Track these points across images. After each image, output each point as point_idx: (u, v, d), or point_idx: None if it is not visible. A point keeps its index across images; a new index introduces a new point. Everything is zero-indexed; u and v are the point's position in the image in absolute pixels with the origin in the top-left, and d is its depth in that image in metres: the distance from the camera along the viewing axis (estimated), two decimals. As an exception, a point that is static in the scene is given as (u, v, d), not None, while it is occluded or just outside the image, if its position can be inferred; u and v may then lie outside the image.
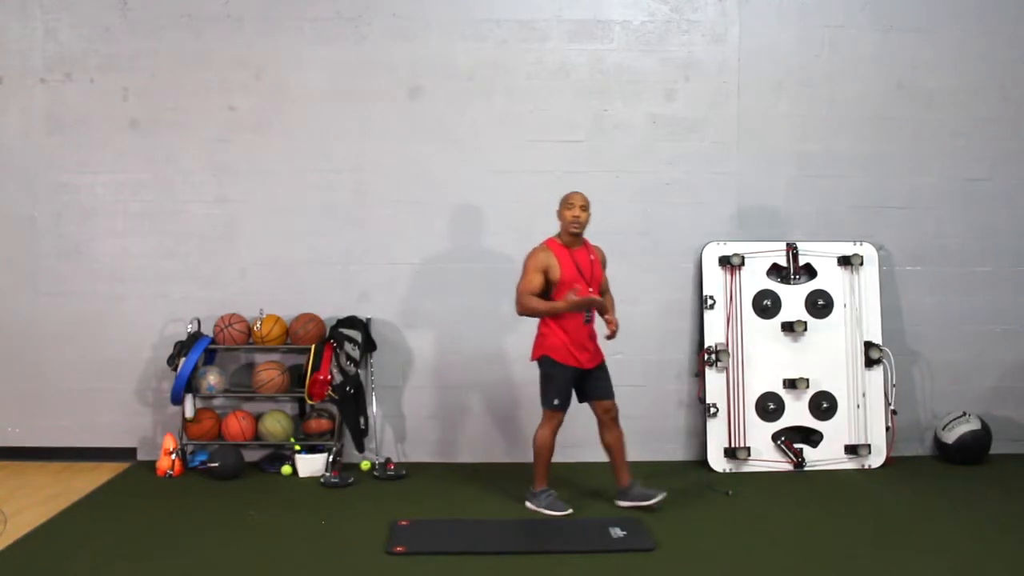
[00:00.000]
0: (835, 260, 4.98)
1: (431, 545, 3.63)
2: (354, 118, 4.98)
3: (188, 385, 4.71)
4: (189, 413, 4.76)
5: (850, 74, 5.05)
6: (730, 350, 4.89)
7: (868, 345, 4.91)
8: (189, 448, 4.84)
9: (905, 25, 5.05)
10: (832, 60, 5.05)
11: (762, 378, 4.89)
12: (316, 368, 4.75)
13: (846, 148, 5.07)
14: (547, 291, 4.04)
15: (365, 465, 4.84)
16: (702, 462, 4.91)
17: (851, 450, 4.85)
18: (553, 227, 4.97)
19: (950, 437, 4.89)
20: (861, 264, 4.97)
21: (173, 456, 4.69)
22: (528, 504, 4.13)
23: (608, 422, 4.09)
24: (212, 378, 4.80)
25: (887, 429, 4.90)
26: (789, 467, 4.81)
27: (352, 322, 4.89)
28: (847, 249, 4.99)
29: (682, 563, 3.46)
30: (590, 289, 4.02)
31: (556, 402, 4.02)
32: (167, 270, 4.98)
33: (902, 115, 5.08)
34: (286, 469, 4.73)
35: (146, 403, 5.01)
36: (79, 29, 4.93)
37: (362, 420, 4.87)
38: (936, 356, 5.10)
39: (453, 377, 5.01)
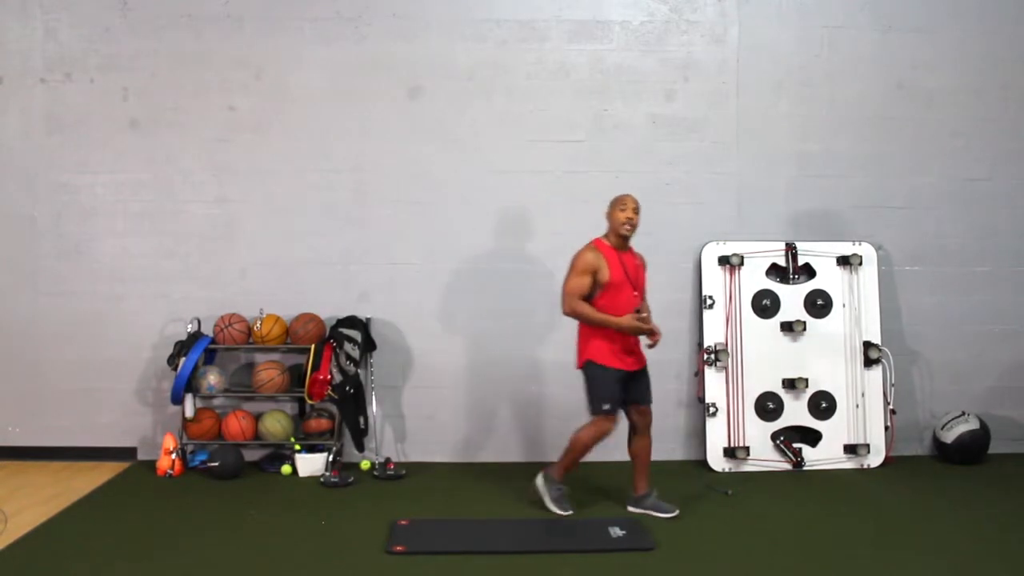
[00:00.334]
0: (834, 260, 4.99)
1: (431, 545, 3.63)
2: (354, 118, 4.98)
3: (188, 385, 4.71)
4: (189, 413, 4.76)
5: (850, 74, 5.06)
6: (729, 350, 4.90)
7: (867, 345, 4.92)
8: (189, 448, 4.85)
9: (905, 25, 5.06)
10: (832, 60, 5.05)
11: (761, 378, 4.90)
12: (316, 368, 4.75)
13: (846, 148, 5.07)
14: (591, 292, 3.92)
15: (365, 465, 4.85)
16: (701, 462, 4.92)
17: (850, 450, 4.86)
18: (554, 226, 5.01)
19: (949, 437, 4.90)
20: (860, 264, 4.97)
21: (173, 456, 4.70)
22: (537, 483, 4.08)
23: (642, 428, 4.03)
24: (212, 378, 4.80)
25: (886, 429, 4.90)
26: (788, 467, 4.82)
27: (352, 322, 4.90)
28: (846, 249, 4.99)
29: (681, 563, 3.47)
30: (646, 313, 3.98)
31: (607, 406, 3.85)
32: (167, 270, 4.99)
33: (902, 115, 5.08)
34: (286, 469, 4.74)
35: (146, 403, 5.01)
36: (79, 29, 4.94)
37: (362, 420, 4.87)
38: (935, 356, 5.11)
39: (453, 377, 5.01)
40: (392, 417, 5.05)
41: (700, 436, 4.96)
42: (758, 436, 4.86)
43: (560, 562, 3.46)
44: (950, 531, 3.83)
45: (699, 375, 4.94)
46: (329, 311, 4.94)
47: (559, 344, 5.02)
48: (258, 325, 4.80)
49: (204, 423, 4.83)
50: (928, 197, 5.10)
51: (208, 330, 4.90)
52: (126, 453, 4.98)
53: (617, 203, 3.99)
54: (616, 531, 3.77)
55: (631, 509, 4.07)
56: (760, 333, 4.92)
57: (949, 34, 5.08)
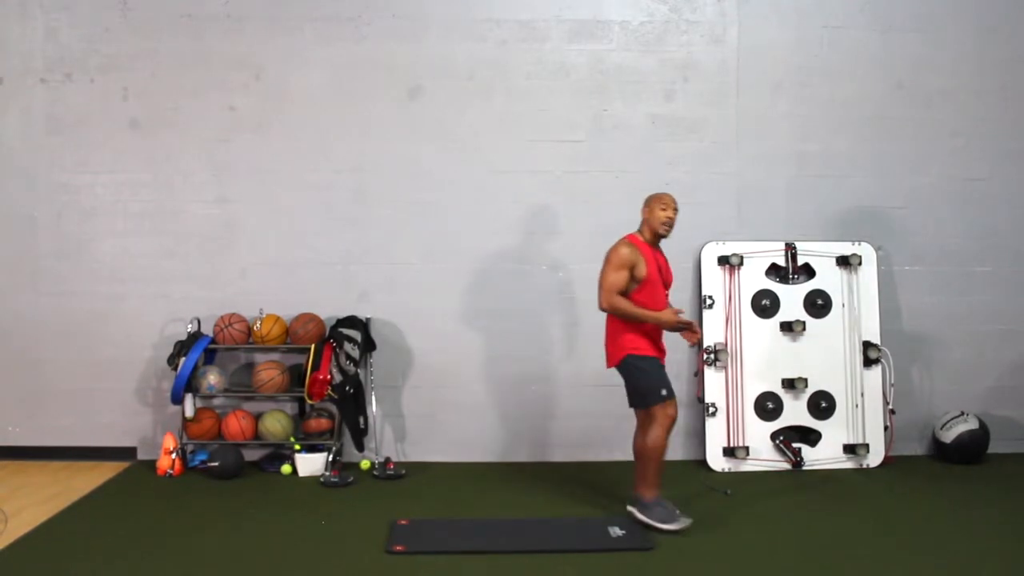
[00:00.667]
0: (834, 260, 4.99)
1: (431, 544, 3.64)
2: (354, 118, 4.99)
3: (188, 385, 4.72)
4: (189, 412, 4.77)
5: (849, 74, 5.06)
6: (729, 350, 4.90)
7: (867, 345, 4.92)
8: (189, 447, 4.85)
9: (904, 25, 5.06)
10: (831, 60, 5.06)
11: (761, 378, 4.90)
12: (316, 368, 4.76)
13: (845, 148, 5.08)
14: (626, 289, 3.84)
15: (365, 464, 4.85)
16: (701, 461, 4.92)
17: (849, 449, 4.86)
18: (553, 226, 5.01)
19: (948, 436, 4.90)
20: (860, 264, 4.98)
21: (173, 455, 4.70)
22: (637, 517, 3.80)
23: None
24: (212, 378, 4.80)
25: (885, 429, 4.91)
26: (788, 466, 4.83)
27: (352, 322, 4.90)
28: (846, 249, 5.00)
29: (680, 562, 3.47)
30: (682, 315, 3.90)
31: (664, 391, 3.74)
32: (167, 270, 4.99)
33: (901, 115, 5.09)
34: (286, 468, 4.74)
35: (146, 403, 5.02)
36: (79, 29, 4.94)
37: (362, 420, 4.88)
38: (934, 356, 5.11)
39: (453, 376, 5.02)
40: (392, 417, 5.06)
41: (700, 436, 4.96)
42: (758, 436, 4.87)
43: (560, 562, 3.46)
44: (949, 531, 3.84)
45: (699, 375, 4.95)
46: (329, 311, 4.95)
47: (559, 344, 5.04)
48: (258, 325, 4.80)
49: (204, 423, 4.83)
50: (928, 197, 5.11)
51: (208, 330, 4.91)
52: (126, 453, 4.99)
53: (657, 201, 3.91)
54: (616, 531, 3.77)
55: (631, 510, 4.01)
56: (760, 333, 4.93)
57: (949, 34, 5.08)
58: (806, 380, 4.88)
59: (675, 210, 3.92)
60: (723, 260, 4.97)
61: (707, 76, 5.03)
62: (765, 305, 4.95)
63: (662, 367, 3.88)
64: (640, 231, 3.98)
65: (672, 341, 5.04)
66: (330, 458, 4.75)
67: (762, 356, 4.91)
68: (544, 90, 5.00)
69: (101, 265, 4.99)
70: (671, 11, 5.03)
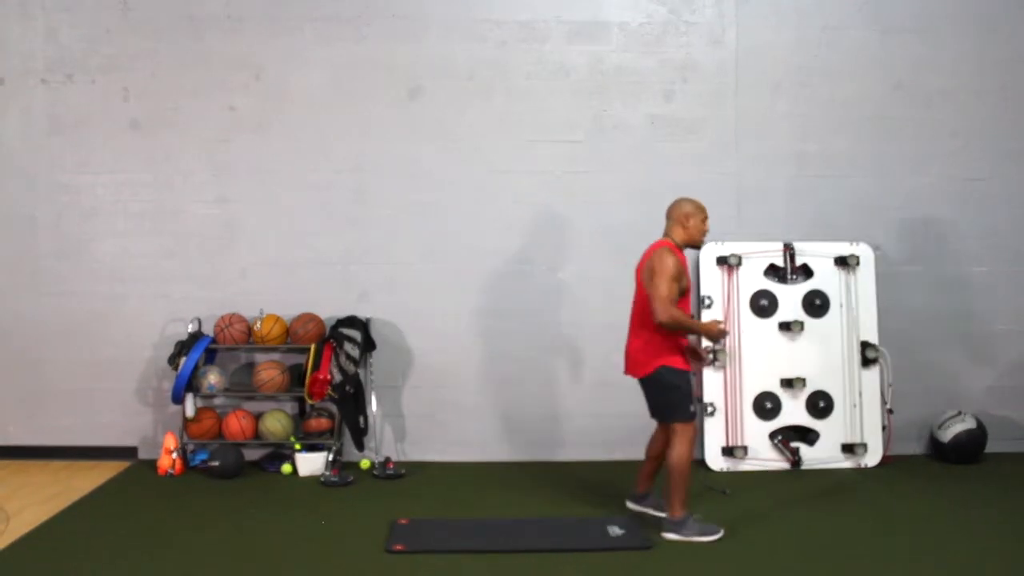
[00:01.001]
0: (832, 260, 5.00)
1: (430, 544, 3.65)
2: (354, 118, 5.00)
3: (189, 384, 4.73)
4: (190, 412, 4.78)
5: (848, 75, 5.07)
6: (728, 349, 4.91)
7: (865, 345, 4.93)
8: (190, 447, 4.87)
9: (903, 26, 5.07)
10: (830, 61, 5.06)
11: (759, 377, 4.91)
12: (316, 367, 4.77)
13: (844, 148, 5.09)
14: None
15: (365, 464, 4.86)
16: (699, 461, 4.93)
17: (847, 449, 4.87)
18: (553, 226, 5.02)
19: (946, 436, 4.92)
20: (858, 264, 4.99)
21: (174, 455, 4.72)
22: (672, 537, 3.68)
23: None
24: (212, 377, 4.81)
25: (883, 428, 4.92)
26: (786, 466, 4.84)
27: (352, 322, 4.91)
28: (844, 249, 5.00)
29: (679, 562, 3.48)
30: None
31: (693, 409, 3.70)
32: (167, 270, 5.00)
33: (900, 115, 5.09)
34: (286, 468, 4.75)
35: (147, 402, 5.03)
36: (80, 30, 4.95)
37: (362, 419, 4.89)
38: (932, 356, 5.12)
39: (453, 376, 5.03)
40: (392, 416, 5.07)
41: (698, 435, 4.96)
42: (756, 435, 4.88)
43: (559, 561, 3.47)
44: (947, 530, 3.85)
45: (697, 375, 4.95)
46: (329, 311, 4.96)
47: (559, 344, 5.05)
48: (258, 325, 4.81)
49: (204, 422, 4.84)
50: (926, 197, 5.11)
51: (208, 330, 4.92)
52: (127, 452, 5.00)
53: (700, 211, 3.81)
54: (615, 530, 3.79)
55: (631, 506, 4.03)
56: (758, 333, 4.94)
57: (947, 34, 5.09)
58: (804, 380, 4.89)
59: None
60: (722, 260, 4.98)
61: (706, 77, 5.04)
62: (764, 305, 4.96)
63: (692, 383, 3.79)
64: (670, 236, 3.84)
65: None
66: (330, 458, 4.76)
67: (760, 356, 4.92)
68: (544, 90, 5.01)
69: (101, 265, 5.00)
70: (670, 12, 5.03)
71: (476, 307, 5.02)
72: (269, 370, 4.81)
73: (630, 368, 3.88)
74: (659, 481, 4.14)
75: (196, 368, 4.75)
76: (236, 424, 4.81)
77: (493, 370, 5.03)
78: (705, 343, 4.20)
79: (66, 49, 4.95)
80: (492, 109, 5.00)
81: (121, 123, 4.98)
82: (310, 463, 4.70)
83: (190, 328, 4.90)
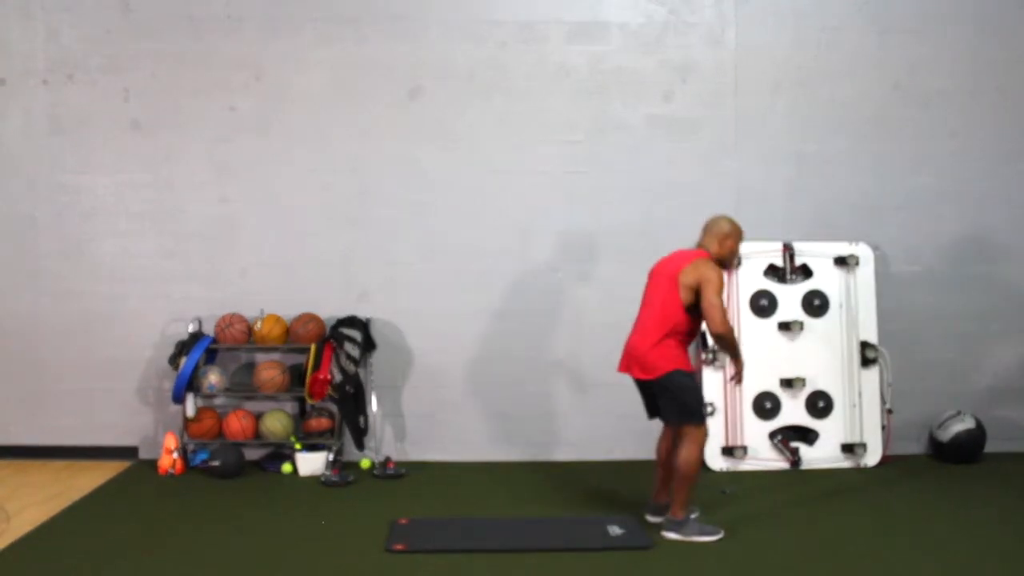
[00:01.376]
0: (831, 260, 5.01)
1: (431, 543, 3.65)
2: (354, 118, 5.00)
3: (189, 384, 4.73)
4: (190, 412, 4.78)
5: (847, 75, 5.08)
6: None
7: (864, 344, 4.94)
8: (190, 447, 4.87)
9: (902, 26, 5.08)
10: (829, 61, 5.07)
11: (759, 377, 4.91)
12: (316, 367, 4.77)
13: (843, 149, 5.09)
14: (696, 310, 3.71)
15: (365, 464, 4.87)
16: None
17: (847, 449, 4.88)
18: (554, 226, 5.03)
19: (945, 436, 4.92)
20: (857, 264, 4.99)
21: (174, 455, 4.72)
22: (672, 537, 3.67)
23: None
24: (213, 377, 4.82)
25: (883, 428, 4.92)
26: (786, 466, 4.84)
27: (352, 322, 4.92)
28: (843, 249, 5.01)
29: (679, 561, 3.49)
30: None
31: (709, 410, 3.66)
32: (168, 270, 5.00)
33: (899, 116, 5.10)
34: (286, 468, 4.76)
35: (147, 402, 5.03)
36: (80, 30, 4.95)
37: (362, 419, 4.89)
38: (932, 355, 5.12)
39: (453, 376, 5.03)
40: (392, 416, 5.07)
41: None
42: (756, 435, 4.88)
43: (559, 561, 3.48)
44: (946, 530, 3.86)
45: (697, 376, 4.96)
46: (329, 311, 4.96)
47: (559, 343, 5.06)
48: (258, 325, 4.82)
49: (205, 422, 4.84)
50: (925, 197, 5.12)
51: (209, 330, 4.92)
52: (127, 452, 5.00)
53: (738, 233, 3.84)
54: (615, 529, 3.79)
55: (651, 519, 3.90)
56: (758, 333, 4.94)
57: (946, 35, 5.09)
58: (804, 380, 4.90)
59: None
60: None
61: (705, 77, 5.05)
62: (763, 305, 4.97)
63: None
64: (706, 249, 3.81)
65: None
66: (330, 457, 4.77)
67: (760, 356, 4.92)
68: (544, 91, 5.01)
69: (102, 265, 5.00)
70: (670, 13, 5.04)
71: (476, 307, 5.02)
72: (269, 370, 4.81)
73: (636, 368, 3.79)
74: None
75: (197, 368, 4.76)
76: (236, 424, 4.82)
77: (493, 370, 5.03)
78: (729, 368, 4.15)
79: (67, 49, 4.95)
80: (492, 109, 5.01)
81: (122, 123, 4.98)
82: (310, 463, 4.71)
83: (190, 328, 4.91)
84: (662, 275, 3.81)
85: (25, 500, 4.25)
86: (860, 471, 4.82)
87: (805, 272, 5.04)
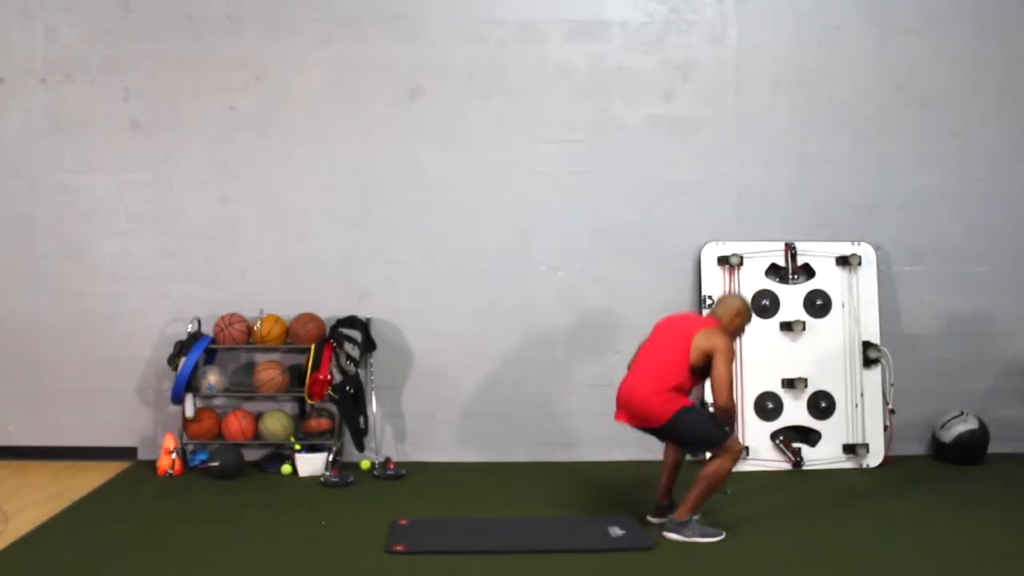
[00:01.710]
0: (833, 260, 5.00)
1: (431, 544, 3.64)
2: (354, 118, 4.99)
3: (188, 385, 4.72)
4: (189, 412, 4.77)
5: (848, 74, 5.07)
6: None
7: (866, 345, 4.93)
8: (189, 447, 4.86)
9: (903, 26, 5.07)
10: (830, 60, 5.06)
11: (760, 377, 4.90)
12: (316, 368, 4.76)
13: (844, 148, 5.08)
14: (704, 372, 3.75)
15: (365, 464, 4.85)
16: (700, 461, 4.91)
17: (849, 449, 4.86)
18: (554, 226, 5.02)
19: (948, 436, 4.91)
20: (859, 264, 4.98)
21: (173, 455, 4.71)
22: (674, 537, 3.68)
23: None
24: (212, 378, 4.81)
25: (885, 428, 4.91)
26: (787, 466, 4.83)
27: (352, 322, 4.90)
28: (845, 249, 5.00)
29: (680, 562, 3.47)
30: None
31: (727, 427, 3.72)
32: (167, 270, 4.99)
33: (900, 115, 5.09)
34: (286, 468, 4.74)
35: (146, 402, 5.02)
36: (80, 30, 4.94)
37: (362, 419, 4.88)
38: (934, 356, 5.11)
39: (453, 376, 5.02)
40: (392, 417, 5.06)
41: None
42: (758, 436, 4.87)
43: (560, 562, 3.46)
44: (949, 531, 3.84)
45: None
46: (329, 311, 4.95)
47: (559, 344, 5.04)
48: (258, 325, 4.81)
49: (204, 423, 4.83)
50: (927, 197, 5.11)
51: (208, 330, 4.91)
52: (126, 453, 4.99)
53: (747, 314, 3.92)
54: (615, 530, 3.77)
55: (653, 520, 3.89)
56: (759, 333, 4.92)
57: (947, 34, 5.09)
58: (806, 380, 4.88)
59: None
60: (723, 260, 4.97)
61: (706, 76, 5.03)
62: (765, 305, 4.95)
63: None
64: (716, 316, 3.87)
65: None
66: (330, 458, 4.75)
67: (762, 356, 4.91)
68: (544, 90, 5.00)
69: (101, 265, 4.99)
70: (671, 11, 5.03)
71: (476, 307, 5.01)
72: (269, 370, 4.80)
73: (636, 419, 3.79)
74: (654, 479, 4.08)
75: (196, 368, 4.75)
76: (236, 424, 4.80)
77: (493, 370, 5.02)
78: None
79: (66, 49, 4.95)
80: (492, 109, 5.00)
81: (121, 123, 4.97)
82: (310, 463, 4.69)
83: (190, 328, 4.90)
84: (675, 331, 3.84)
85: (24, 500, 4.24)
86: (862, 472, 4.80)
87: (807, 272, 5.03)
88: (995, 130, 5.12)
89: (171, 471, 4.68)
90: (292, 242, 5.00)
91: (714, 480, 3.70)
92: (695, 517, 3.72)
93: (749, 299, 4.93)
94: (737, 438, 3.78)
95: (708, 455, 3.81)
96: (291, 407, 5.01)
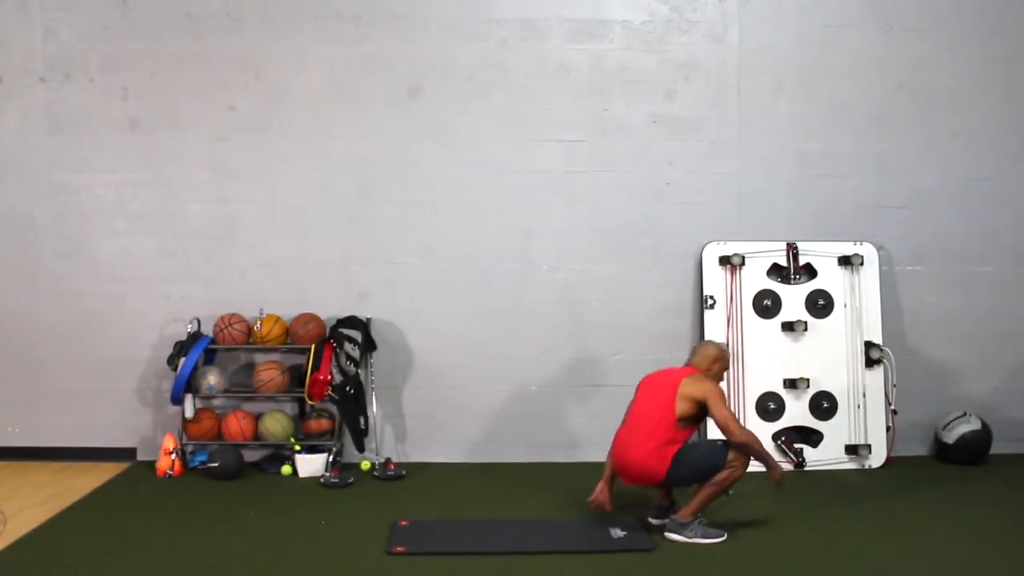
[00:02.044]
0: (835, 260, 4.98)
1: (431, 545, 3.63)
2: (354, 118, 4.98)
3: (188, 385, 4.71)
4: (189, 413, 4.76)
5: (850, 74, 5.05)
6: (730, 350, 4.88)
7: (868, 345, 4.91)
8: (189, 448, 4.84)
9: (905, 24, 5.05)
10: (832, 60, 5.04)
11: (762, 378, 4.89)
12: (316, 368, 4.75)
13: (847, 148, 5.06)
14: (700, 417, 3.78)
15: (365, 465, 4.84)
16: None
17: (851, 450, 4.85)
18: (554, 226, 5.00)
19: (950, 437, 4.89)
20: (861, 264, 4.96)
21: (173, 456, 4.69)
22: (675, 538, 3.68)
23: None
24: (212, 378, 4.79)
25: (887, 429, 4.89)
26: (789, 467, 4.81)
27: (352, 322, 4.89)
28: (847, 249, 4.98)
29: (681, 563, 3.46)
30: None
31: (719, 443, 3.74)
32: (167, 270, 4.98)
33: (903, 115, 5.07)
34: (286, 469, 4.73)
35: (146, 403, 5.00)
36: (79, 29, 4.93)
37: (362, 420, 4.87)
38: (936, 356, 5.09)
39: (453, 377, 5.01)
40: (392, 417, 5.04)
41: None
42: (759, 436, 4.80)
43: (561, 563, 3.45)
44: (952, 532, 3.83)
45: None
46: (329, 311, 4.94)
47: (559, 344, 5.03)
48: (258, 325, 4.79)
49: (204, 423, 4.82)
50: (929, 197, 5.09)
51: (208, 330, 4.90)
52: (126, 453, 4.97)
53: (724, 359, 3.94)
54: (617, 532, 3.76)
55: (654, 521, 3.87)
56: (761, 333, 4.91)
57: (950, 33, 5.07)
58: (808, 380, 4.87)
59: None
60: (724, 260, 4.95)
61: (708, 76, 5.02)
62: (767, 305, 4.94)
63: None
64: (694, 365, 3.90)
65: (672, 341, 5.02)
66: (330, 459, 4.74)
67: (764, 356, 4.90)
68: (544, 90, 4.99)
69: (101, 265, 4.98)
70: (672, 10, 5.01)
71: (476, 307, 4.99)
72: (269, 370, 4.79)
73: (640, 478, 3.75)
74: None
75: (195, 369, 4.73)
76: (236, 425, 4.79)
77: (493, 370, 5.01)
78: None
79: (65, 48, 4.93)
80: (492, 109, 4.99)
81: (120, 122, 4.96)
82: (310, 464, 4.68)
83: (189, 328, 4.88)
84: (658, 387, 3.83)
85: (23, 501, 4.23)
86: (864, 472, 4.79)
87: (809, 272, 5.01)
88: (998, 130, 5.10)
89: (170, 472, 4.67)
90: (292, 242, 4.99)
91: (724, 485, 3.71)
92: (698, 518, 3.71)
93: (751, 299, 4.93)
94: (736, 447, 3.70)
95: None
96: (291, 408, 5.00)
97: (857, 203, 5.07)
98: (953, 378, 5.09)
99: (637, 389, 3.94)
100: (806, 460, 4.81)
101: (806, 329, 4.91)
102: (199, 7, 4.92)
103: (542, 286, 5.01)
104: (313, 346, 4.77)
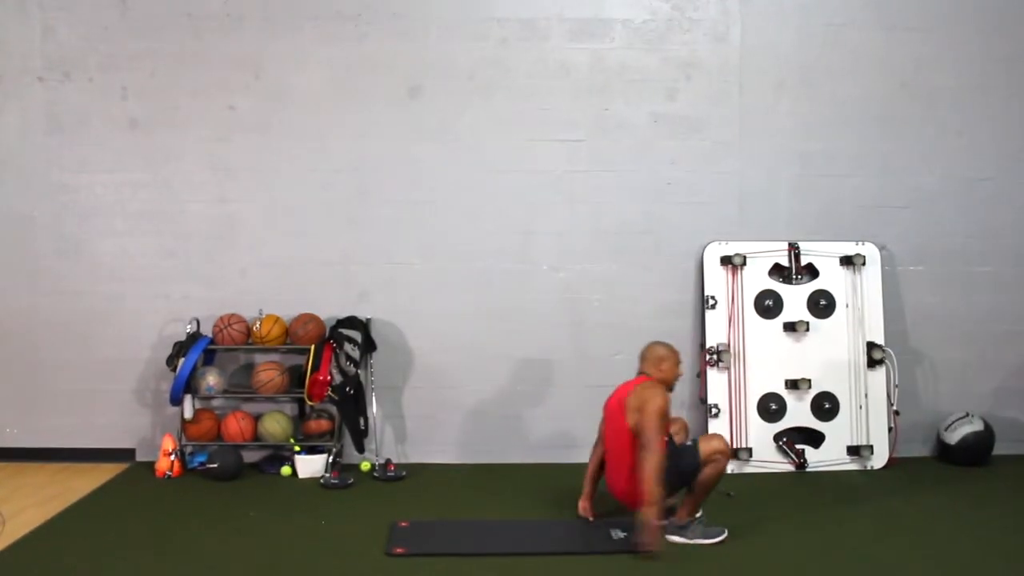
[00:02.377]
0: (837, 260, 4.96)
1: (431, 546, 3.62)
2: (354, 118, 4.96)
3: (187, 386, 4.69)
4: (188, 414, 4.74)
5: (852, 73, 5.03)
6: (732, 350, 4.87)
7: (870, 345, 4.89)
8: (188, 449, 4.83)
9: (908, 24, 5.03)
10: (834, 59, 5.02)
11: (764, 378, 4.87)
12: (316, 368, 4.74)
13: (848, 147, 5.05)
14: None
15: (365, 466, 4.83)
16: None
17: (853, 451, 4.83)
18: (554, 226, 4.99)
19: (953, 438, 4.87)
20: (863, 264, 4.95)
21: (172, 457, 4.68)
22: (676, 540, 3.66)
23: None
24: (211, 379, 4.78)
25: (889, 430, 4.87)
26: (791, 468, 4.79)
27: (352, 322, 4.88)
28: (849, 249, 4.96)
29: (683, 564, 3.45)
30: None
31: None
32: (167, 270, 4.97)
33: (904, 114, 5.05)
34: (286, 470, 4.72)
35: (145, 404, 4.99)
36: (78, 28, 4.92)
37: (362, 421, 4.85)
38: (939, 356, 5.08)
39: (453, 377, 4.99)
40: (392, 418, 5.03)
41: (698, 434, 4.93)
42: (761, 437, 4.84)
43: (561, 564, 3.45)
44: (954, 532, 3.82)
45: (701, 376, 4.92)
46: (329, 311, 4.92)
47: (559, 344, 5.02)
48: (258, 325, 4.78)
49: (203, 424, 4.81)
50: (931, 197, 5.07)
51: (207, 330, 4.88)
52: (125, 454, 4.96)
53: (673, 356, 3.87)
54: (617, 533, 3.75)
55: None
56: (763, 333, 4.89)
57: (952, 33, 5.05)
58: (809, 381, 4.85)
59: None
60: (726, 260, 4.94)
61: (710, 75, 5.00)
62: (768, 305, 4.92)
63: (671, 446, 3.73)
64: (644, 372, 3.85)
65: (673, 341, 4.99)
66: (330, 459, 4.73)
67: (765, 357, 4.88)
68: (545, 89, 4.97)
69: (100, 265, 4.97)
70: (673, 9, 5.00)
71: (476, 307, 4.98)
72: (268, 371, 4.77)
73: (636, 505, 3.61)
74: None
75: (195, 369, 4.72)
76: (235, 425, 4.78)
77: (494, 370, 4.99)
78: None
79: (64, 47, 4.92)
80: (492, 108, 4.97)
81: (120, 122, 4.95)
82: (310, 465, 4.67)
83: (188, 328, 4.87)
84: (614, 408, 3.82)
85: (22, 502, 4.22)
86: (867, 473, 4.77)
87: (811, 272, 4.99)
88: (1001, 129, 5.08)
89: (170, 473, 4.66)
90: (292, 242, 4.98)
91: (709, 484, 3.70)
92: (698, 516, 3.71)
93: (752, 299, 4.91)
94: (720, 446, 3.69)
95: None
96: (291, 408, 4.98)
97: (859, 203, 5.05)
98: (955, 378, 5.08)
99: (603, 411, 3.93)
100: (808, 461, 4.80)
101: (808, 329, 4.89)
102: (199, 7, 4.91)
103: (542, 286, 5.00)
104: (313, 346, 4.76)
